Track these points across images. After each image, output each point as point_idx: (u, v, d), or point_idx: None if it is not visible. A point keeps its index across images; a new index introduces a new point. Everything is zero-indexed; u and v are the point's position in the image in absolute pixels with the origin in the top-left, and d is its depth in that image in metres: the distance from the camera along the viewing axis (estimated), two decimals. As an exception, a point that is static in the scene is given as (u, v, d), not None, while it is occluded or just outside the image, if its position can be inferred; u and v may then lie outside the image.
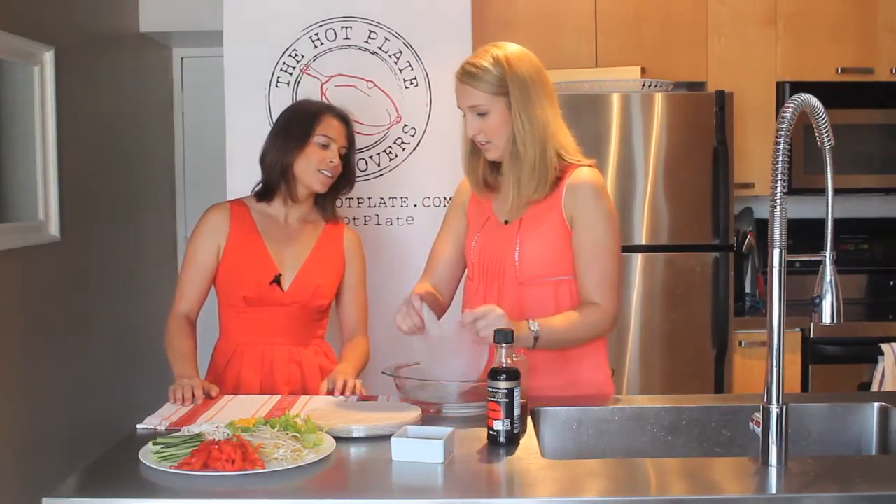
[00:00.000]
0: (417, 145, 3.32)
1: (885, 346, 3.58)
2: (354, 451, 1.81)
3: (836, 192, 1.76)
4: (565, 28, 3.88)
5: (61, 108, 3.59)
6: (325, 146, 2.51)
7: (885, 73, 3.90)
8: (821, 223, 1.73)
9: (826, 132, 1.72)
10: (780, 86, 3.89)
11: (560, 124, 2.26)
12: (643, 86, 3.58)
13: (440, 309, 2.33)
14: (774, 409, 1.66)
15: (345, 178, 2.59)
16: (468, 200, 2.40)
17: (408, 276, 2.72)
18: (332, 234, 2.62)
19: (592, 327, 2.20)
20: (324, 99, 3.18)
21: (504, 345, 1.84)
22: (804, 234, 3.13)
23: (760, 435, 1.68)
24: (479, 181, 2.34)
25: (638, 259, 3.54)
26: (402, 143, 3.31)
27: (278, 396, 2.27)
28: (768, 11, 3.90)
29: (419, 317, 2.12)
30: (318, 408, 2.05)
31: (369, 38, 3.30)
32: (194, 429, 1.82)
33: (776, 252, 1.66)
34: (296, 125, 2.53)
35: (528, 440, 1.85)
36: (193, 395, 2.17)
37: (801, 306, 2.93)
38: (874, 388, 3.57)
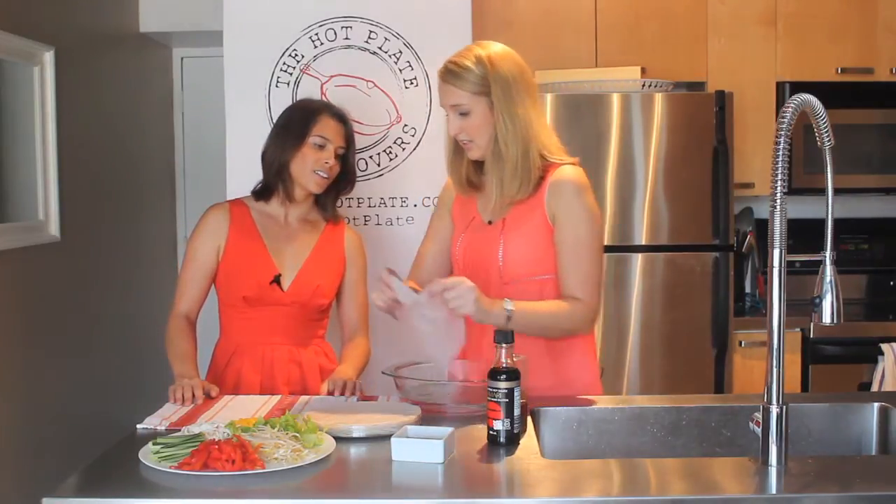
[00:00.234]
0: (417, 145, 3.32)
1: (885, 346, 3.58)
2: (354, 451, 1.81)
3: (836, 192, 1.76)
4: (565, 28, 3.88)
5: (61, 108, 3.59)
6: (321, 147, 2.50)
7: (885, 73, 3.90)
8: (821, 223, 1.73)
9: (826, 132, 1.72)
10: (780, 86, 3.89)
11: (543, 123, 2.26)
12: (643, 86, 3.58)
13: None
14: (774, 409, 1.66)
15: (345, 179, 2.59)
16: (453, 200, 2.40)
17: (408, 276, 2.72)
18: (332, 234, 2.61)
19: (570, 319, 2.18)
20: (324, 99, 3.18)
21: (504, 345, 1.84)
22: (804, 234, 3.13)
23: (760, 435, 1.68)
24: (463, 181, 2.33)
25: (638, 259, 3.54)
26: (402, 143, 3.31)
27: (278, 396, 2.27)
28: (768, 11, 3.90)
29: (391, 290, 2.09)
30: (318, 408, 2.05)
31: (369, 38, 3.30)
32: (194, 429, 1.82)
33: (776, 252, 1.66)
34: (293, 125, 2.53)
35: (528, 440, 1.85)
36: (193, 395, 2.17)
37: (801, 306, 2.93)
38: (874, 388, 3.57)
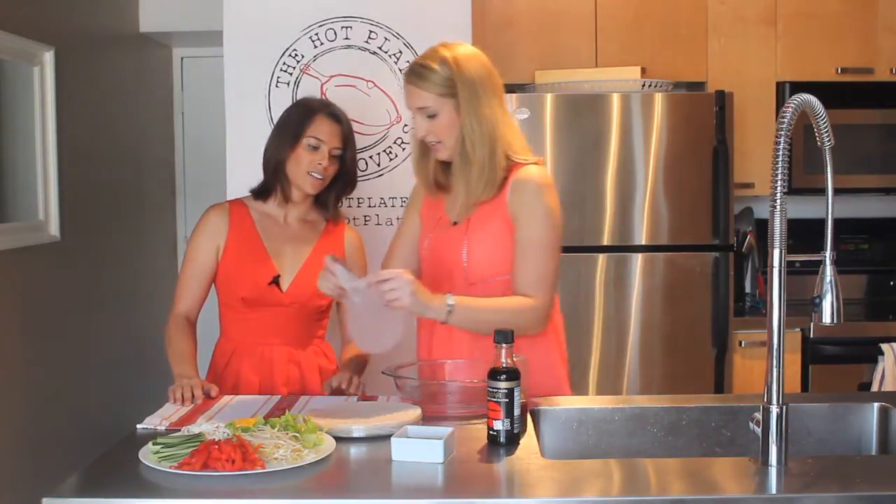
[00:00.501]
0: (417, 145, 3.32)
1: (885, 346, 3.58)
2: (354, 451, 1.81)
3: (836, 192, 1.76)
4: (565, 28, 3.88)
5: (61, 108, 3.59)
6: (314, 148, 2.49)
7: (885, 73, 3.90)
8: (821, 223, 1.73)
9: (826, 132, 1.72)
10: (780, 86, 3.89)
11: (508, 122, 2.25)
12: (643, 86, 3.58)
13: None
14: (774, 409, 1.66)
15: (344, 179, 2.58)
16: (422, 201, 2.40)
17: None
18: (332, 234, 2.61)
19: (517, 317, 2.14)
20: (324, 98, 3.18)
21: (504, 345, 1.84)
22: (804, 234, 3.13)
23: (760, 435, 1.68)
24: (430, 182, 2.33)
25: (638, 259, 3.54)
26: (402, 143, 3.31)
27: (278, 396, 2.27)
28: (768, 11, 3.90)
29: (335, 276, 2.08)
30: (318, 408, 2.05)
31: (369, 38, 3.30)
32: (194, 429, 1.82)
33: (776, 252, 1.66)
34: (289, 125, 2.52)
35: (528, 440, 1.85)
36: (193, 395, 2.17)
37: (801, 306, 2.93)
38: (874, 388, 3.57)
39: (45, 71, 3.51)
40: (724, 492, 1.60)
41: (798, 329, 3.66)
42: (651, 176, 3.52)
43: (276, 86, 3.30)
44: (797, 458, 1.70)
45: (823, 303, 1.71)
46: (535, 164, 2.25)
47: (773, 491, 1.60)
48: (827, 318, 1.72)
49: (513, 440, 1.82)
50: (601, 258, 3.52)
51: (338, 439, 1.81)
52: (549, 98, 3.51)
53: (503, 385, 1.81)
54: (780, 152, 1.64)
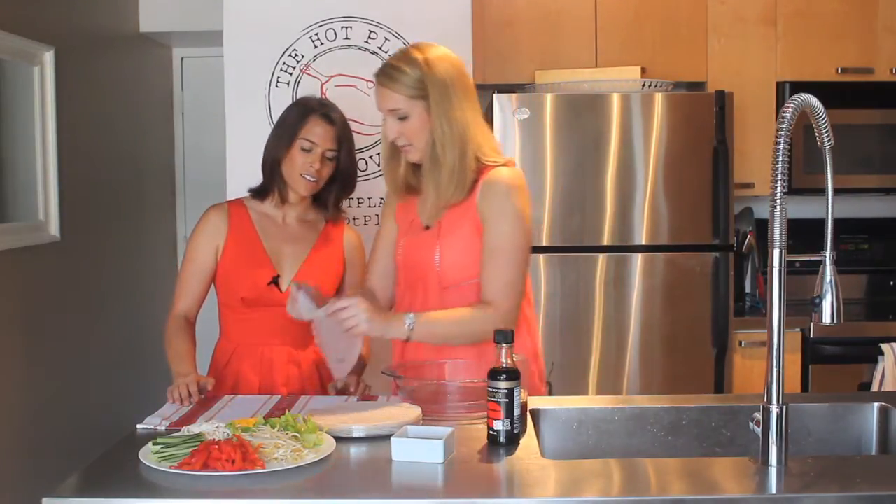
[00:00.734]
0: (417, 145, 3.32)
1: (885, 346, 3.58)
2: (354, 451, 1.81)
3: (836, 192, 1.76)
4: (565, 28, 3.88)
5: (61, 108, 3.59)
6: (307, 150, 2.48)
7: (885, 73, 3.90)
8: (821, 223, 1.73)
9: (826, 132, 1.72)
10: (780, 86, 3.89)
11: (480, 124, 2.23)
12: (643, 86, 3.58)
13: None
14: (774, 409, 1.66)
15: (341, 180, 2.57)
16: (397, 203, 2.39)
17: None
18: (331, 234, 2.61)
19: (478, 324, 2.13)
20: (323, 98, 3.17)
21: (504, 345, 1.84)
22: (804, 234, 3.13)
23: (760, 435, 1.68)
24: (400, 184, 2.31)
25: (638, 259, 3.54)
26: (402, 143, 3.31)
27: (278, 396, 2.27)
28: (768, 11, 3.90)
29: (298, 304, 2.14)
30: (318, 408, 2.05)
31: (369, 38, 3.30)
32: (194, 429, 1.81)
33: (776, 252, 1.66)
34: (286, 125, 2.52)
35: (528, 440, 1.85)
36: (190, 393, 2.17)
37: (801, 306, 2.93)
38: (874, 388, 3.57)
39: (45, 71, 3.52)
40: (724, 492, 1.60)
41: (798, 329, 3.66)
42: (651, 176, 3.52)
43: (276, 86, 3.30)
44: (797, 458, 1.70)
45: (823, 303, 1.71)
46: (505, 165, 2.23)
47: (773, 491, 1.60)
48: (827, 318, 1.72)
49: (513, 440, 1.82)
50: (601, 258, 3.52)
51: (338, 439, 1.81)
52: (549, 98, 3.51)
53: (503, 385, 1.81)
54: (780, 152, 1.64)
